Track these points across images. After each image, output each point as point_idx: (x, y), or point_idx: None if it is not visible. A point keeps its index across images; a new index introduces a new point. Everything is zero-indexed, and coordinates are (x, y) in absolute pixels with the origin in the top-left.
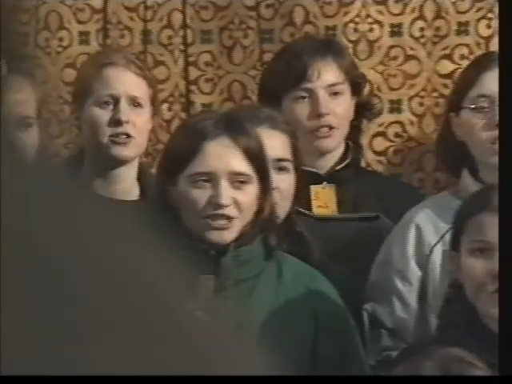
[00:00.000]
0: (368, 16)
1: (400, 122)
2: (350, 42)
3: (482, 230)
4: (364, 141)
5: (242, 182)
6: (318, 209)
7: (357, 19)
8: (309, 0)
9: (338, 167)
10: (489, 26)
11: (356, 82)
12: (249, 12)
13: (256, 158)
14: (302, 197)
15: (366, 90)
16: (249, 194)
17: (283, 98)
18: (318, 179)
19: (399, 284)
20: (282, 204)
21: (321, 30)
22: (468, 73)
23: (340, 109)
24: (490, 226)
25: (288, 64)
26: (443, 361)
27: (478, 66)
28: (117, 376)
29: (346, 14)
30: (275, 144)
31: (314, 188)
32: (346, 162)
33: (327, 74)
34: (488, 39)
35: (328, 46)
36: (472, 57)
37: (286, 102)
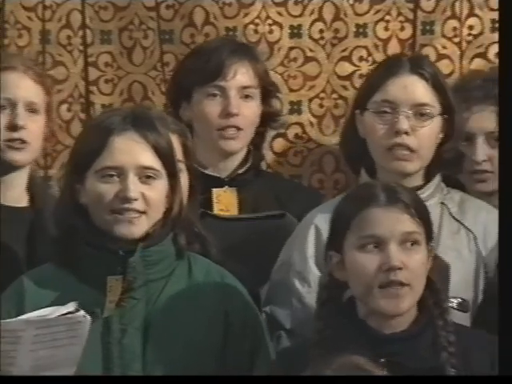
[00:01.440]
0: (268, 17)
1: (300, 124)
2: (251, 43)
3: (370, 224)
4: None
5: (150, 176)
6: (219, 212)
7: (257, 20)
8: (209, 1)
9: (240, 171)
10: (386, 29)
11: (267, 90)
12: (148, 13)
13: (164, 154)
14: (198, 197)
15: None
16: (157, 190)
17: (194, 92)
18: (219, 183)
19: (298, 285)
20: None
21: (221, 31)
22: (375, 76)
23: (249, 112)
24: (377, 221)
25: (204, 59)
26: (341, 369)
27: (385, 70)
28: (117, 376)
29: (246, 15)
30: None
31: (215, 191)
32: (247, 165)
33: (242, 75)
34: (386, 41)
35: (247, 50)
36: (371, 59)
37: (197, 96)
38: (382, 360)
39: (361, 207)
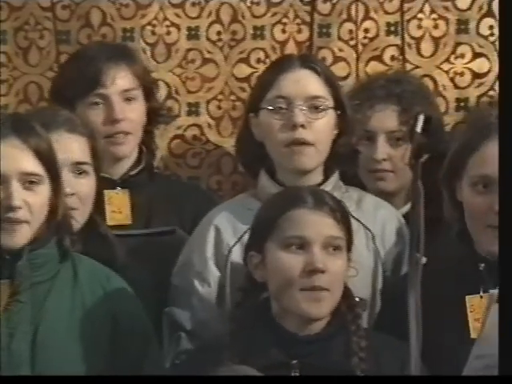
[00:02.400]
0: (165, 19)
1: (198, 125)
2: (148, 44)
3: (297, 225)
4: (162, 143)
5: (33, 182)
6: (111, 214)
7: (154, 22)
8: (105, 2)
9: (132, 172)
10: (284, 31)
11: (149, 88)
12: (44, 13)
13: (46, 157)
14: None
15: (163, 93)
16: (40, 195)
17: (77, 105)
18: (112, 184)
19: (198, 286)
20: (83, 207)
21: (118, 32)
22: (266, 74)
23: (134, 114)
24: (303, 222)
25: (81, 70)
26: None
27: (276, 68)
28: (117, 376)
29: (143, 16)
30: (74, 147)
31: (107, 193)
32: (140, 167)
33: (121, 79)
34: (283, 44)
35: (121, 52)
36: (268, 60)
37: (80, 108)
38: (295, 361)
39: (287, 208)
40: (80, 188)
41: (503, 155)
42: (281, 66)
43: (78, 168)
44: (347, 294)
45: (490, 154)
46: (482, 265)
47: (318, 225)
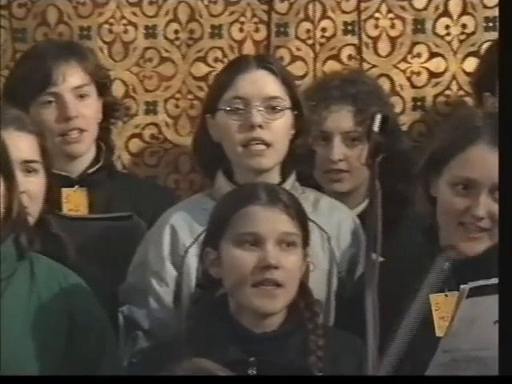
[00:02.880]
0: (123, 17)
1: (156, 124)
2: (105, 43)
3: (250, 222)
4: (120, 142)
5: None
6: (68, 212)
7: (111, 20)
8: (62, 0)
9: (90, 170)
10: (241, 30)
11: (102, 83)
12: (0, 11)
13: None
14: (55, 197)
15: (121, 92)
16: None
17: (30, 104)
18: (69, 182)
19: (156, 285)
20: (33, 206)
21: (75, 30)
22: (223, 75)
23: (88, 111)
24: (257, 219)
25: (31, 69)
26: (190, 372)
27: (233, 68)
28: (117, 376)
29: (100, 14)
30: (23, 145)
31: (65, 191)
32: (99, 165)
33: (72, 76)
34: (241, 43)
35: (70, 50)
36: (226, 60)
37: (34, 108)
38: (252, 359)
39: (241, 205)
40: (29, 186)
41: (503, 155)
42: (237, 66)
43: (27, 166)
44: (306, 291)
45: (474, 158)
46: (447, 263)
47: (272, 221)
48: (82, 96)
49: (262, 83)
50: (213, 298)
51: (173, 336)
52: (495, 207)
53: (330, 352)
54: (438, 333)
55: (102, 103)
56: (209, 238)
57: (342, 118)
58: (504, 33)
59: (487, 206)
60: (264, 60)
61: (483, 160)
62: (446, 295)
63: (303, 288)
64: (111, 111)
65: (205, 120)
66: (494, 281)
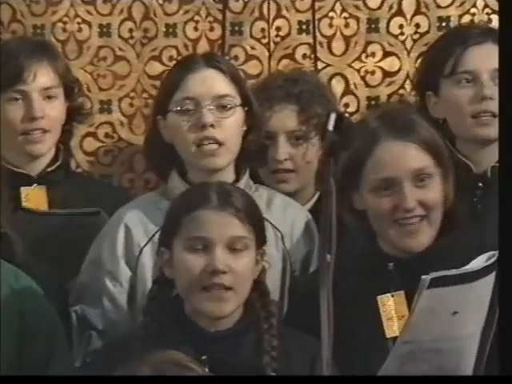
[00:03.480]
0: (76, 16)
1: (110, 123)
2: (59, 41)
3: (199, 227)
4: (74, 141)
5: None
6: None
7: (65, 19)
8: None
9: (50, 169)
10: (196, 29)
11: (69, 87)
12: None
13: None
14: (6, 196)
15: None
16: None
17: None
18: (28, 181)
19: (109, 284)
20: None
21: (28, 29)
22: (172, 76)
23: (54, 113)
24: (206, 223)
25: (4, 64)
26: (159, 365)
27: (181, 68)
28: (117, 376)
29: (54, 13)
30: None
31: (24, 189)
32: (57, 164)
33: (43, 76)
34: (196, 41)
35: (43, 49)
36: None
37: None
38: (204, 357)
39: (192, 208)
40: None
41: (503, 155)
42: (185, 66)
43: None
44: (263, 291)
45: (382, 157)
46: (391, 264)
47: (221, 225)
48: (49, 97)
49: (211, 82)
50: (169, 297)
51: (127, 335)
52: (422, 193)
53: (283, 352)
54: (388, 334)
55: (68, 107)
56: (163, 237)
57: (285, 118)
58: (504, 33)
59: (414, 195)
60: (212, 59)
61: (392, 155)
62: (393, 295)
63: (260, 288)
64: (75, 115)
65: (156, 121)
66: (455, 271)
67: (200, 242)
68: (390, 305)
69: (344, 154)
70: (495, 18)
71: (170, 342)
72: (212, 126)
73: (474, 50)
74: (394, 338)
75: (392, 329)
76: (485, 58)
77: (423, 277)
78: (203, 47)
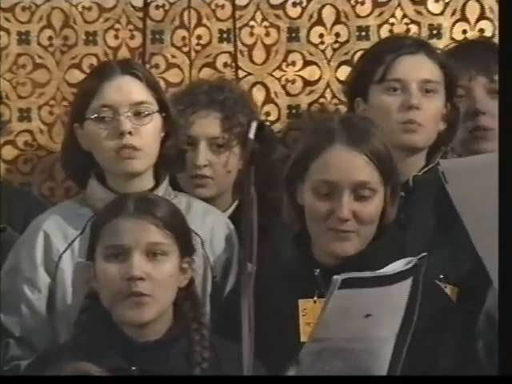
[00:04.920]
0: None
1: (30, 131)
2: None
3: (115, 235)
4: None
5: None
6: None
7: None
8: None
9: None
10: (116, 37)
11: None
12: None
13: None
14: None
15: None
16: None
17: None
18: None
19: (28, 291)
20: None
21: None
22: (88, 83)
23: None
24: (123, 231)
25: None
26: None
27: (97, 76)
28: (117, 376)
29: None
30: None
31: None
32: None
33: None
34: (116, 49)
35: None
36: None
37: None
38: (134, 368)
39: (110, 217)
40: None
41: (503, 155)
42: (101, 73)
43: None
44: (194, 301)
45: (331, 160)
46: (318, 270)
47: (137, 232)
48: None
49: (127, 89)
50: (99, 308)
51: (58, 346)
52: (359, 207)
53: (214, 362)
54: (303, 338)
55: None
56: (88, 251)
57: (208, 124)
58: (504, 32)
59: (350, 206)
60: (128, 65)
61: (340, 161)
62: (315, 301)
63: (191, 298)
64: None
65: (73, 129)
66: (368, 274)
67: (117, 250)
68: (311, 310)
69: (298, 145)
70: (488, 28)
71: (99, 353)
72: (130, 133)
73: (405, 59)
74: None
75: (308, 334)
76: (415, 68)
77: (334, 277)
78: (124, 55)
